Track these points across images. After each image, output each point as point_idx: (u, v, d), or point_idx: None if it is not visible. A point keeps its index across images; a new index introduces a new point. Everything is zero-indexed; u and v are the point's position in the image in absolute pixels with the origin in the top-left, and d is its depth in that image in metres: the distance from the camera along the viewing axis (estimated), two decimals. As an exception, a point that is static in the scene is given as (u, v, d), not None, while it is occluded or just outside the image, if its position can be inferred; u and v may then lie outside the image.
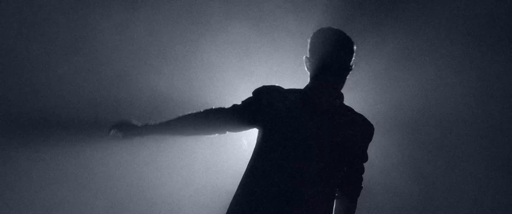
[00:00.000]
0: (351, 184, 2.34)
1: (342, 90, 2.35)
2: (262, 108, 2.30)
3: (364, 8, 4.07)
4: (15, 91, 4.04)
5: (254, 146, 2.33)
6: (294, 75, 3.73)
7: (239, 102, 2.38)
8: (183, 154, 4.22)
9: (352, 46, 2.23)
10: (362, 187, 2.39)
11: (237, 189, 2.29)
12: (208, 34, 4.09)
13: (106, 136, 2.43)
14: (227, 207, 2.32)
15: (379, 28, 4.09)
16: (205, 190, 4.22)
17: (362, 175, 2.39)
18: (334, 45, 2.17)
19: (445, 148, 4.16)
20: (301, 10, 4.09)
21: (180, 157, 4.22)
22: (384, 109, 4.15)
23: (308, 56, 2.24)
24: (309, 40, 2.24)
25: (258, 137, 2.31)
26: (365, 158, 2.39)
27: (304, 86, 2.31)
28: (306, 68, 2.26)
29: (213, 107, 2.39)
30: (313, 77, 2.23)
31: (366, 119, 2.36)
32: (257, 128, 2.33)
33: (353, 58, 2.23)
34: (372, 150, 4.17)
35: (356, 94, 4.10)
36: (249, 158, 2.33)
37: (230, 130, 2.39)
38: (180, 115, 2.43)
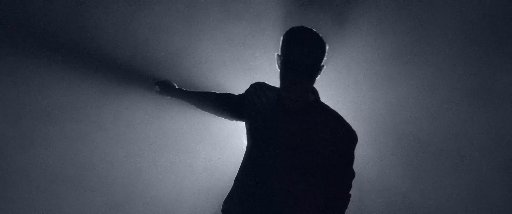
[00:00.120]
0: (332, 195, 2.25)
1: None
2: (246, 103, 2.39)
3: (363, 8, 4.07)
4: (14, 91, 4.04)
5: None
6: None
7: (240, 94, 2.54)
8: (183, 154, 4.22)
9: (323, 45, 2.19)
10: (346, 200, 2.29)
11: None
12: (207, 32, 4.09)
13: (149, 90, 2.70)
14: None
15: (378, 27, 4.09)
16: (205, 189, 4.22)
17: (346, 189, 2.27)
18: (303, 44, 2.14)
19: (443, 147, 4.16)
20: (300, 9, 4.09)
21: (180, 156, 4.22)
22: (382, 108, 4.15)
23: (279, 54, 2.22)
24: (281, 39, 2.23)
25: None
26: (346, 167, 2.26)
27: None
28: (277, 67, 2.24)
29: (224, 93, 2.66)
30: (281, 76, 2.21)
31: (345, 123, 2.26)
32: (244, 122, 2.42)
33: (325, 58, 2.20)
34: (371, 149, 4.19)
35: (354, 94, 4.10)
36: None
37: (226, 117, 2.60)
38: (204, 90, 2.76)
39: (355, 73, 4.15)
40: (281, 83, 2.23)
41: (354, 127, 2.30)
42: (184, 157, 4.23)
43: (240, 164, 2.40)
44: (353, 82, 4.14)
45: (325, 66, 2.24)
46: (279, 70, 2.23)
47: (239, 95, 2.54)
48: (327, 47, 2.23)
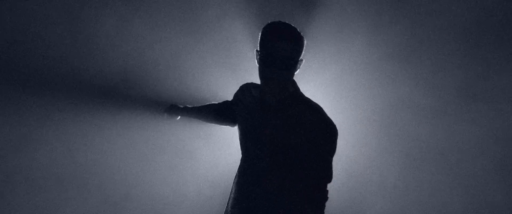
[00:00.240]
0: (306, 192, 2.21)
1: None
2: (235, 106, 2.46)
3: (360, 7, 4.07)
4: (13, 91, 4.03)
5: None
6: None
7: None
8: (184, 154, 4.21)
9: (300, 39, 2.19)
10: (323, 198, 2.24)
11: None
12: (204, 31, 4.09)
13: (159, 116, 3.04)
14: None
15: (378, 28, 4.09)
16: (205, 189, 4.22)
17: (325, 180, 2.23)
18: (279, 38, 2.15)
19: (442, 147, 4.16)
20: (299, 9, 4.08)
21: (181, 157, 4.21)
22: (381, 108, 4.15)
23: (258, 49, 2.24)
24: (259, 34, 2.24)
25: None
26: (324, 159, 2.22)
27: None
28: (256, 62, 2.26)
29: (222, 102, 2.75)
30: (260, 71, 2.22)
31: (324, 116, 2.24)
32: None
33: (303, 52, 2.21)
34: (371, 149, 4.19)
35: (354, 94, 4.10)
36: None
37: (229, 125, 2.71)
38: (206, 104, 2.86)
39: (355, 73, 4.15)
40: (261, 79, 2.24)
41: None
42: (185, 158, 4.23)
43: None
44: (353, 82, 4.14)
45: (303, 61, 2.25)
46: (258, 65, 2.25)
47: (230, 100, 2.61)
48: (305, 42, 2.23)
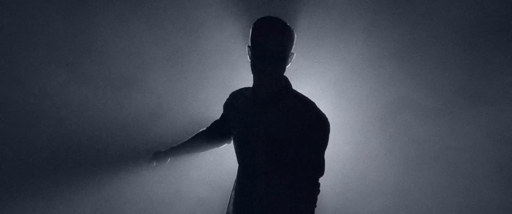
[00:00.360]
0: (298, 186, 2.23)
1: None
2: (225, 114, 2.50)
3: (360, 7, 4.07)
4: (13, 95, 4.04)
5: None
6: (294, 72, 3.74)
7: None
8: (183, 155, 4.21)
9: (289, 33, 2.22)
10: (314, 191, 2.26)
11: None
12: (204, 31, 4.09)
13: (146, 166, 2.80)
14: None
15: (379, 28, 4.09)
16: (206, 191, 4.22)
17: (315, 176, 2.25)
18: (269, 32, 2.19)
19: (441, 146, 4.16)
20: (299, 9, 4.08)
21: (181, 157, 4.21)
22: (381, 108, 4.15)
23: (249, 45, 2.27)
24: (250, 30, 2.28)
25: None
26: (316, 153, 2.24)
27: None
28: (248, 58, 2.29)
29: (211, 123, 2.70)
30: (252, 66, 2.26)
31: (316, 110, 2.27)
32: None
33: (293, 45, 2.24)
34: (369, 149, 4.18)
35: (350, 93, 4.10)
36: None
37: (226, 142, 2.66)
38: (189, 137, 2.74)
39: (355, 74, 4.14)
40: (253, 73, 2.27)
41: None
42: (185, 159, 4.23)
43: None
44: (353, 82, 4.14)
45: (295, 54, 2.28)
46: (250, 61, 2.28)
47: (220, 116, 2.62)
48: (295, 35, 2.26)
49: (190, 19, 4.10)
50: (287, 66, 2.27)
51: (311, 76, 4.13)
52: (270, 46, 2.18)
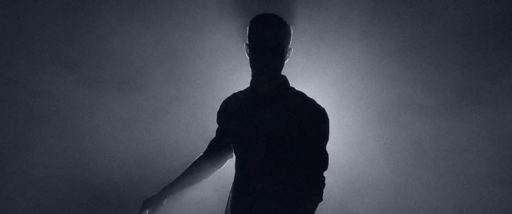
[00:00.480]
0: (302, 180, 2.23)
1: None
2: (221, 123, 2.46)
3: (360, 7, 4.07)
4: (13, 95, 4.03)
5: None
6: (294, 72, 3.73)
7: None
8: (183, 155, 4.21)
9: (286, 28, 2.25)
10: (319, 185, 2.26)
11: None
12: (205, 30, 4.09)
13: None
14: None
15: (379, 28, 4.08)
16: (206, 192, 4.22)
17: (319, 170, 2.25)
18: (265, 27, 2.22)
19: (441, 147, 4.15)
20: (299, 9, 4.08)
21: (180, 157, 4.21)
22: (381, 109, 4.15)
23: (247, 43, 2.29)
24: (247, 28, 2.30)
25: None
26: (319, 147, 2.25)
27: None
28: (246, 55, 2.31)
29: (208, 145, 2.57)
30: (251, 63, 2.28)
31: (316, 105, 2.28)
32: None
33: (290, 41, 2.27)
34: (369, 149, 4.18)
35: (350, 94, 4.09)
36: None
37: (225, 158, 2.55)
38: (188, 165, 2.56)
39: (355, 74, 4.14)
40: (252, 69, 2.29)
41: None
42: (185, 160, 4.22)
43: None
44: (353, 82, 4.13)
45: (292, 50, 2.31)
46: (248, 58, 2.30)
47: (217, 129, 2.55)
48: (291, 31, 2.29)
49: (190, 19, 4.09)
50: (285, 62, 2.29)
51: (310, 77, 4.13)
52: (268, 42, 2.21)
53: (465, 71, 4.07)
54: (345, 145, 4.14)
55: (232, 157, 2.52)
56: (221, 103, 2.50)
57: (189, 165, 2.57)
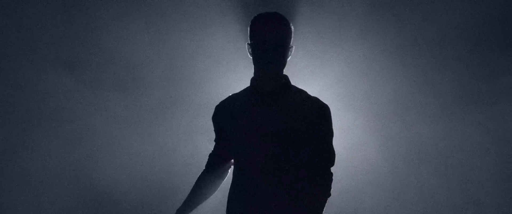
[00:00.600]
0: (311, 176, 2.25)
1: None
2: (218, 129, 2.42)
3: (361, 7, 4.07)
4: (12, 95, 4.03)
5: None
6: (295, 69, 3.74)
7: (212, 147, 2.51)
8: (184, 153, 4.21)
9: (287, 25, 2.28)
10: (328, 180, 2.28)
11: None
12: (205, 30, 4.09)
13: None
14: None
15: (378, 27, 4.08)
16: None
17: (328, 165, 2.27)
18: (267, 25, 2.24)
19: (441, 147, 4.16)
20: (299, 8, 4.08)
21: (181, 156, 4.21)
22: (380, 109, 4.15)
23: (249, 43, 2.30)
24: (248, 28, 2.32)
25: None
26: (323, 145, 2.26)
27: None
28: (249, 55, 2.32)
29: (208, 160, 2.53)
30: (254, 62, 2.29)
31: (319, 101, 2.31)
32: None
33: (292, 38, 2.29)
34: (369, 149, 4.18)
35: (350, 94, 4.09)
36: None
37: (230, 166, 2.52)
38: (192, 189, 2.52)
39: (354, 74, 4.14)
40: (256, 67, 2.31)
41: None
42: (186, 159, 4.22)
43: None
44: (353, 83, 4.13)
45: (294, 47, 2.33)
46: (251, 57, 2.32)
47: (215, 139, 2.51)
48: (292, 28, 2.31)
49: (190, 19, 4.09)
50: (288, 59, 2.31)
51: (310, 77, 4.13)
52: (271, 38, 2.22)
53: (465, 71, 4.07)
54: (345, 145, 4.14)
55: (232, 164, 2.50)
56: (214, 108, 2.47)
57: (194, 184, 2.53)
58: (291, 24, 2.31)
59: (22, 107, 4.04)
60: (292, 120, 2.24)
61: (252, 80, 2.35)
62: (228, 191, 2.44)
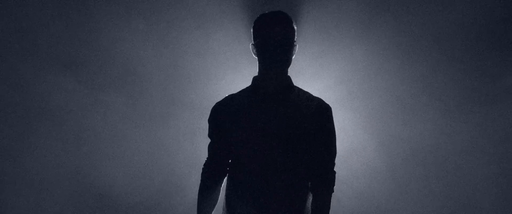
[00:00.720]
0: (316, 175, 2.27)
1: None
2: (216, 132, 2.39)
3: (361, 7, 4.07)
4: (12, 95, 4.03)
5: None
6: (295, 71, 3.73)
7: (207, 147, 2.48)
8: (183, 153, 4.21)
9: (290, 22, 2.28)
10: (332, 178, 2.29)
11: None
12: (206, 30, 4.09)
13: None
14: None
15: (378, 27, 4.09)
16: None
17: (331, 163, 2.29)
18: (271, 24, 2.24)
19: (441, 147, 4.16)
20: (299, 8, 4.08)
21: (180, 156, 4.21)
22: (380, 109, 4.15)
23: (253, 43, 2.30)
24: (251, 29, 2.32)
25: None
26: (327, 144, 2.28)
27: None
28: (253, 55, 2.32)
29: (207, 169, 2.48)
30: (259, 61, 2.30)
31: (321, 100, 2.34)
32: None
33: (295, 36, 2.30)
34: (369, 149, 4.18)
35: (350, 94, 4.10)
36: None
37: (228, 157, 2.46)
38: (198, 202, 2.47)
39: (354, 74, 4.14)
40: (261, 66, 2.31)
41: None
42: (185, 159, 4.22)
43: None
44: (353, 83, 4.14)
45: (297, 46, 2.33)
46: (256, 57, 2.32)
47: (210, 144, 2.47)
48: (295, 26, 2.32)
49: (191, 19, 4.09)
50: (293, 57, 2.31)
51: (311, 77, 4.13)
52: (276, 36, 2.23)
53: (465, 71, 4.07)
54: (345, 145, 4.14)
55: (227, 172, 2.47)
56: (211, 110, 2.45)
57: (198, 197, 2.48)
58: (293, 21, 2.32)
59: (22, 106, 4.04)
60: (295, 120, 2.24)
61: (255, 79, 2.35)
62: (225, 191, 2.43)
